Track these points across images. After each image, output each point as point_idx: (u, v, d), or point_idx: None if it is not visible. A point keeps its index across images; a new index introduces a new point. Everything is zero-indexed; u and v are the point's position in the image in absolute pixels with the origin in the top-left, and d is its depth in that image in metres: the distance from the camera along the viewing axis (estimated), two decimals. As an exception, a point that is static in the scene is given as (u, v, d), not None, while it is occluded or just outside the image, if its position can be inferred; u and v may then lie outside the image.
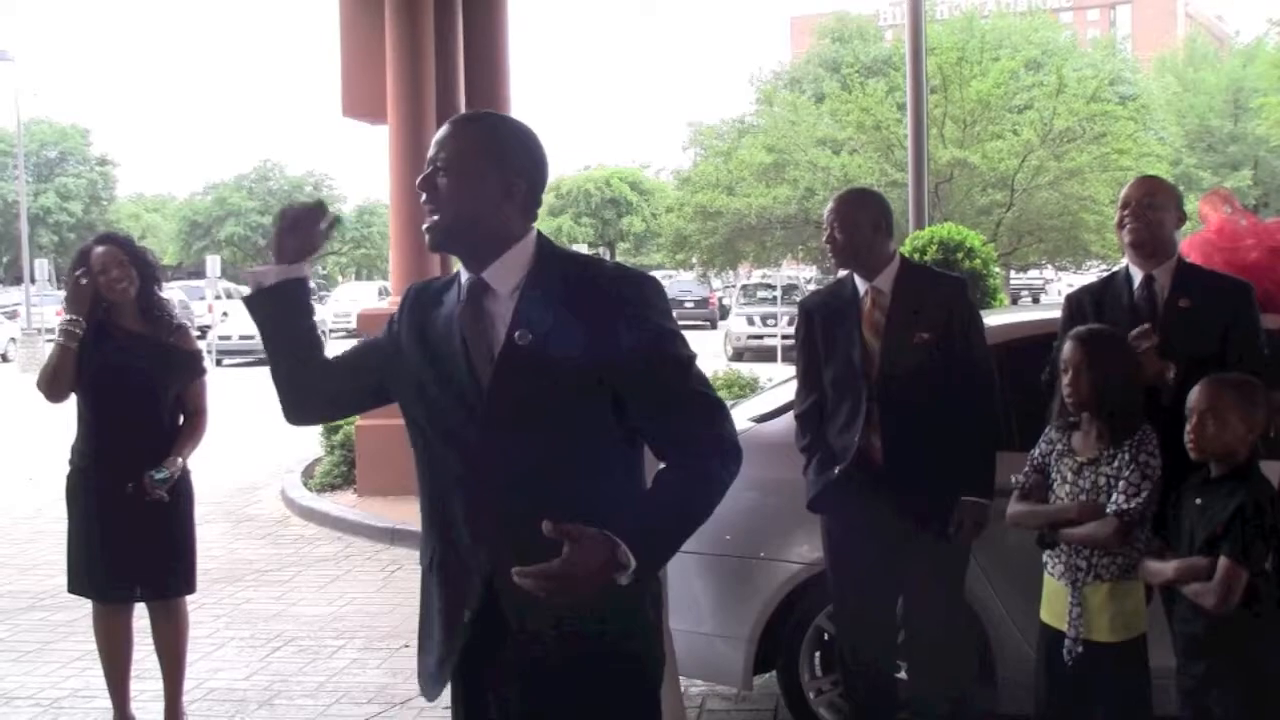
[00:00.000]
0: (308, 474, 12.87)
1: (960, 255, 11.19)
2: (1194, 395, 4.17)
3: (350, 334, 14.01)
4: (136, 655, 5.97)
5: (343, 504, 11.56)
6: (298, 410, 3.44)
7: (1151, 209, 4.83)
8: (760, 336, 30.50)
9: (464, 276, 3.11)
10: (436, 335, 3.11)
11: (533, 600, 2.74)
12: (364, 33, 12.23)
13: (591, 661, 2.97)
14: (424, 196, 3.03)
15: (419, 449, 3.35)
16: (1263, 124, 49.21)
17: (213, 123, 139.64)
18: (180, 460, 5.67)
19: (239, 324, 33.56)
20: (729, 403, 6.07)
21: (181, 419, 5.80)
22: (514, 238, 3.05)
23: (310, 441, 13.40)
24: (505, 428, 2.96)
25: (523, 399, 2.95)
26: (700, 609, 5.54)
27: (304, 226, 3.25)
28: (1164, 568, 4.16)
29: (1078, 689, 4.27)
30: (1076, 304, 5.05)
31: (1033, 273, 55.59)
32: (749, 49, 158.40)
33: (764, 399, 6.55)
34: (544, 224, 67.63)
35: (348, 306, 39.60)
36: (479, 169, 3.00)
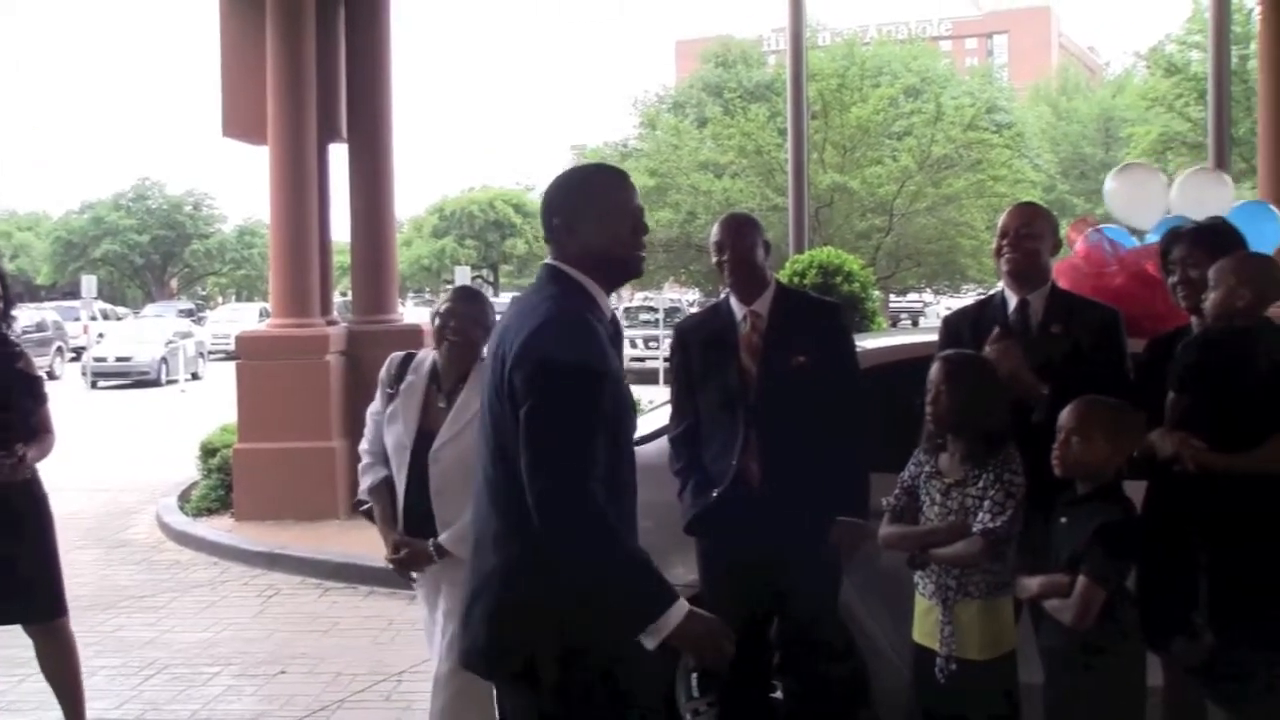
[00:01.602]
0: (184, 498, 12.67)
1: (839, 279, 11.32)
2: (1064, 414, 4.28)
3: (229, 356, 13.78)
4: (7, 683, 5.86)
5: (219, 528, 11.40)
6: None
7: (1029, 238, 4.95)
8: (642, 359, 30.53)
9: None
10: None
11: None
12: (245, 52, 12.12)
13: None
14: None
15: None
16: (1132, 152, 50.30)
17: (89, 140, 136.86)
18: (24, 450, 5.50)
19: (114, 346, 33.01)
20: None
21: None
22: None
23: (187, 465, 13.21)
24: None
25: None
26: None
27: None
28: (1030, 583, 4.26)
29: (950, 706, 4.32)
30: (953, 327, 5.16)
31: (911, 296, 56.29)
32: (634, 72, 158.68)
33: (640, 422, 6.56)
34: (426, 246, 67.70)
35: (226, 328, 38.99)
36: None
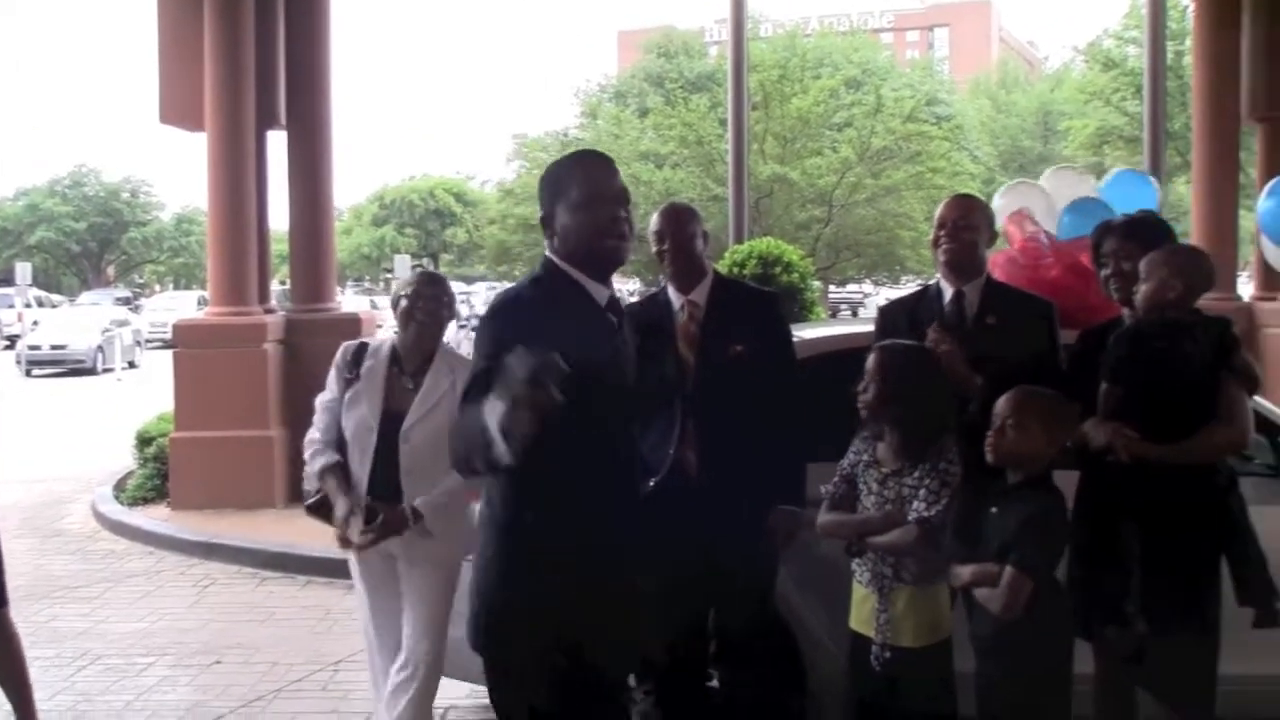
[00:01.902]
0: (119, 487, 12.54)
1: (779, 269, 11.38)
2: (1000, 403, 4.32)
3: (166, 344, 13.65)
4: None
5: (155, 518, 11.29)
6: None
7: (966, 229, 4.99)
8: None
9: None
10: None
11: None
12: (182, 37, 11.98)
13: None
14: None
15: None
16: (1069, 145, 50.77)
17: (24, 127, 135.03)
18: None
19: (49, 333, 32.64)
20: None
21: None
22: None
23: (123, 454, 13.10)
24: None
25: None
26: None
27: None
28: (962, 572, 4.30)
29: (886, 693, 4.34)
30: (890, 317, 5.19)
31: (851, 287, 56.58)
32: (576, 61, 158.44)
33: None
34: (367, 234, 67.38)
35: (164, 316, 38.61)
36: None
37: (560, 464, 3.35)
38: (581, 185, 3.61)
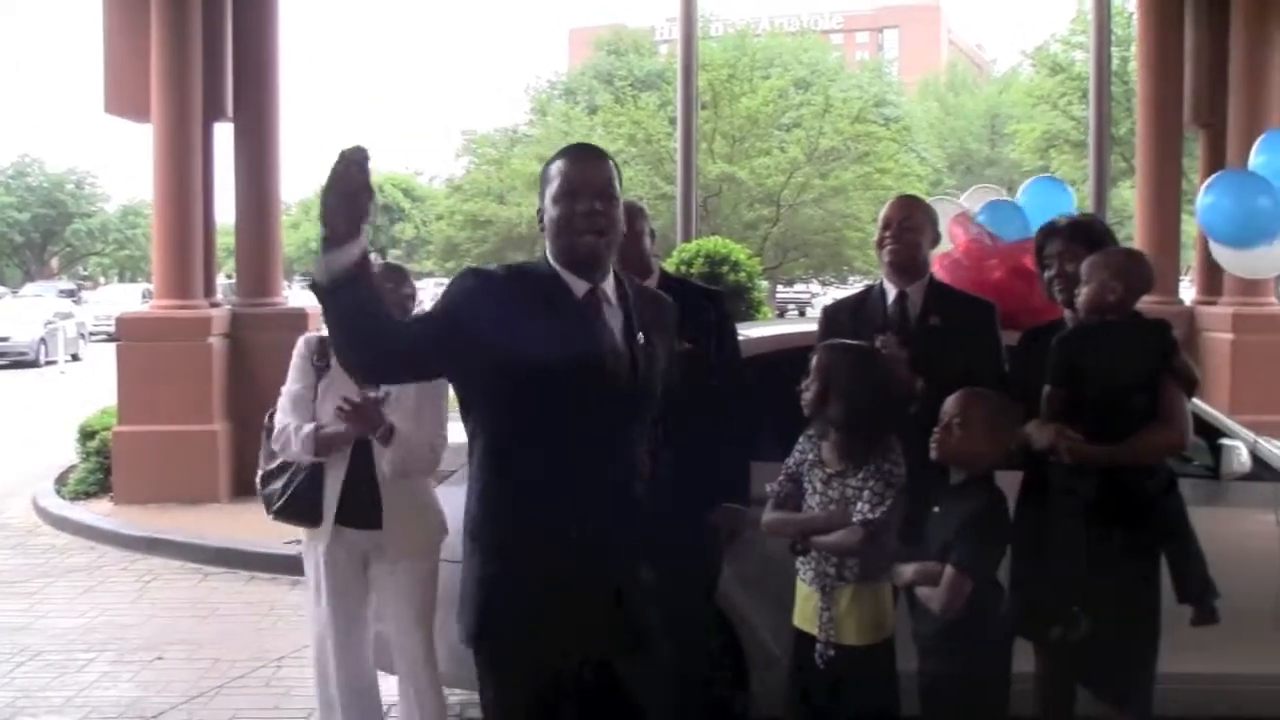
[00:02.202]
0: (61, 481, 12.44)
1: (726, 268, 11.40)
2: (948, 402, 4.36)
3: (110, 337, 13.50)
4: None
5: (97, 512, 11.19)
6: (385, 369, 3.71)
7: (910, 230, 5.02)
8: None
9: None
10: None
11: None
12: (129, 28, 11.89)
13: None
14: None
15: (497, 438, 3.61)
16: (1016, 149, 51.14)
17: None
18: None
19: (-11, 323, 32.32)
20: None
21: None
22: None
23: (65, 447, 12.99)
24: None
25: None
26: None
27: (358, 198, 3.26)
28: (904, 571, 4.33)
29: (829, 692, 4.34)
30: (833, 317, 5.21)
31: (799, 287, 56.73)
32: (527, 58, 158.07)
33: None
34: (314, 229, 66.64)
35: (109, 309, 38.28)
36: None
37: (528, 446, 3.48)
38: (562, 177, 3.56)
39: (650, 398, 3.70)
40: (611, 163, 3.68)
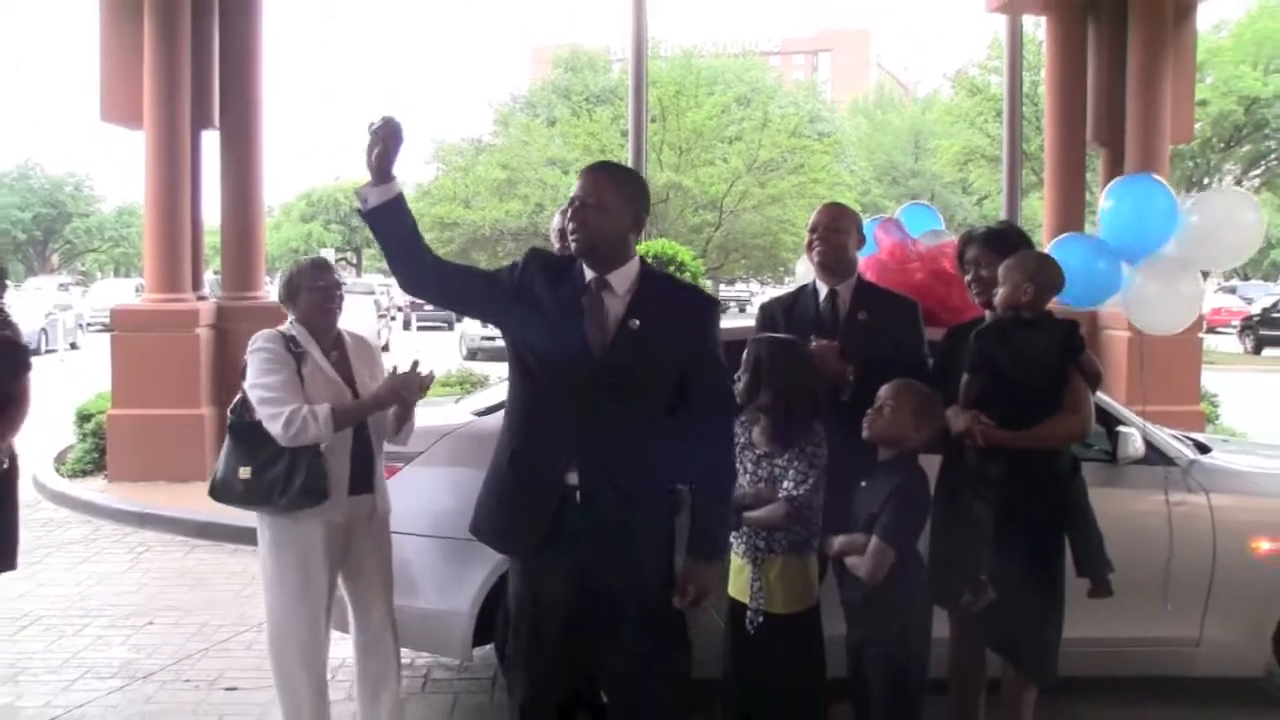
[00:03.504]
0: (60, 460, 12.37)
1: (673, 268, 11.45)
2: (883, 389, 4.41)
3: (105, 328, 13.45)
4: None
5: (93, 489, 11.13)
6: (414, 286, 4.08)
7: (836, 233, 5.03)
8: (493, 338, 30.22)
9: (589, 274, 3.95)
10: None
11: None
12: (123, 41, 11.84)
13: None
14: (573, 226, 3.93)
15: (522, 375, 4.06)
16: (937, 162, 51.33)
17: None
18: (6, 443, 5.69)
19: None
20: (459, 398, 6.00)
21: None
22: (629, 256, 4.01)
23: (63, 429, 12.87)
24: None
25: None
26: (423, 587, 5.45)
27: (387, 155, 3.89)
28: (833, 541, 4.36)
29: (760, 654, 4.37)
30: (769, 313, 5.21)
31: (739, 286, 56.81)
32: (490, 74, 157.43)
33: (486, 395, 6.56)
34: (294, 230, 66.58)
35: (105, 301, 37.87)
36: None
37: (524, 386, 4.03)
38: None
39: (627, 373, 3.86)
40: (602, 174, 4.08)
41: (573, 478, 3.88)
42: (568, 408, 3.86)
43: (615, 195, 3.92)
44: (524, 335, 3.99)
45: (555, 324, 3.90)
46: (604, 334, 3.89)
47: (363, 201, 3.92)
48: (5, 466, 5.54)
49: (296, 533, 4.78)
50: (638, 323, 3.88)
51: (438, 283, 4.07)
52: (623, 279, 3.94)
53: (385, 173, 3.87)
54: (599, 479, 3.86)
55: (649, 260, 11.37)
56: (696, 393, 3.94)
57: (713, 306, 4.12)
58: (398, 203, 3.91)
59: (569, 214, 3.95)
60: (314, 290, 4.90)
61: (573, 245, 3.95)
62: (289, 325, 4.94)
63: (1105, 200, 6.33)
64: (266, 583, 4.90)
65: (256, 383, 4.70)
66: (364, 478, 4.88)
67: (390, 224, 3.91)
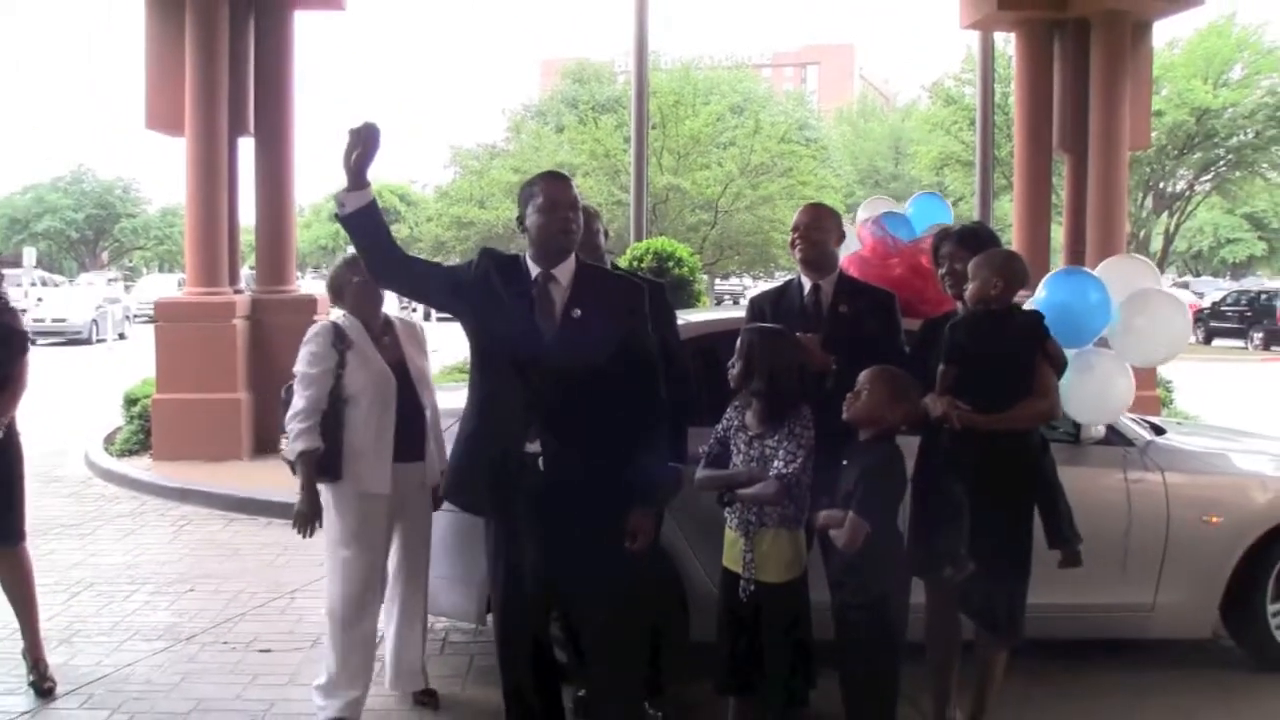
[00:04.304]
0: (109, 441, 12.36)
1: (672, 264, 11.43)
2: (863, 374, 4.41)
3: (150, 319, 13.45)
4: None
5: (139, 467, 11.13)
6: (387, 281, 4.37)
7: (817, 231, 5.02)
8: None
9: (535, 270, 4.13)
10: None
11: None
12: (166, 54, 11.83)
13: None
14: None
15: (481, 359, 4.23)
16: (916, 167, 51.15)
17: (30, 129, 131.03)
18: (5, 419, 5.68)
19: (51, 308, 32.15)
20: (457, 386, 5.97)
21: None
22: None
23: (112, 412, 12.88)
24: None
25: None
26: (444, 558, 5.45)
27: (364, 161, 4.00)
28: (818, 515, 4.37)
29: (752, 620, 4.37)
30: (757, 306, 5.20)
31: (733, 280, 56.73)
32: (504, 84, 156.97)
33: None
34: (324, 229, 66.42)
35: (150, 295, 37.86)
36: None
37: (484, 368, 4.20)
38: (544, 196, 4.10)
39: (574, 353, 4.03)
40: (575, 183, 4.24)
41: (533, 446, 4.05)
42: (526, 386, 4.04)
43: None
44: (484, 323, 4.17)
45: (510, 313, 4.08)
46: (553, 321, 4.09)
47: (340, 207, 4.03)
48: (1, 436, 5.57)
49: (344, 501, 4.92)
50: (579, 311, 4.08)
51: (409, 279, 4.28)
52: (565, 273, 4.14)
53: (361, 174, 4.00)
54: (556, 445, 4.04)
55: (650, 257, 11.37)
56: (629, 363, 4.10)
57: (639, 291, 4.27)
58: (372, 208, 4.05)
59: (572, 219, 4.12)
60: (353, 285, 5.00)
61: (567, 249, 4.16)
62: (342, 316, 5.07)
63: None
64: (327, 543, 5.03)
65: (297, 380, 4.92)
66: (412, 447, 4.96)
67: (365, 227, 4.05)
